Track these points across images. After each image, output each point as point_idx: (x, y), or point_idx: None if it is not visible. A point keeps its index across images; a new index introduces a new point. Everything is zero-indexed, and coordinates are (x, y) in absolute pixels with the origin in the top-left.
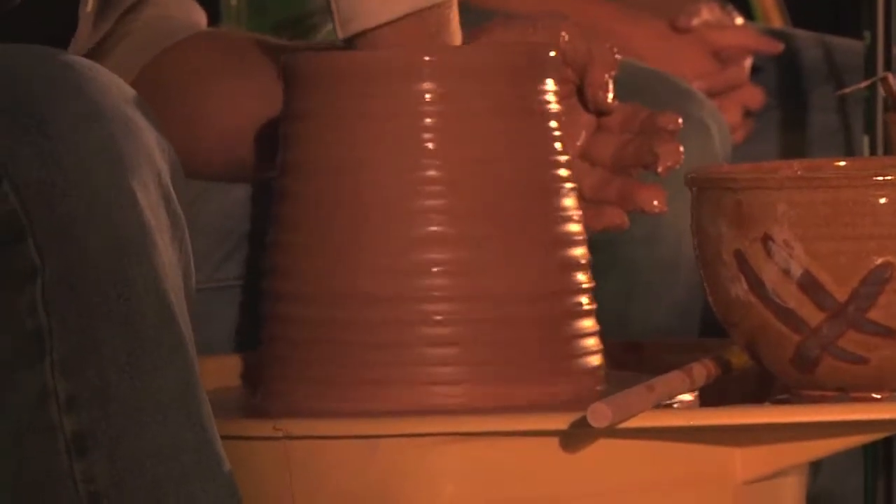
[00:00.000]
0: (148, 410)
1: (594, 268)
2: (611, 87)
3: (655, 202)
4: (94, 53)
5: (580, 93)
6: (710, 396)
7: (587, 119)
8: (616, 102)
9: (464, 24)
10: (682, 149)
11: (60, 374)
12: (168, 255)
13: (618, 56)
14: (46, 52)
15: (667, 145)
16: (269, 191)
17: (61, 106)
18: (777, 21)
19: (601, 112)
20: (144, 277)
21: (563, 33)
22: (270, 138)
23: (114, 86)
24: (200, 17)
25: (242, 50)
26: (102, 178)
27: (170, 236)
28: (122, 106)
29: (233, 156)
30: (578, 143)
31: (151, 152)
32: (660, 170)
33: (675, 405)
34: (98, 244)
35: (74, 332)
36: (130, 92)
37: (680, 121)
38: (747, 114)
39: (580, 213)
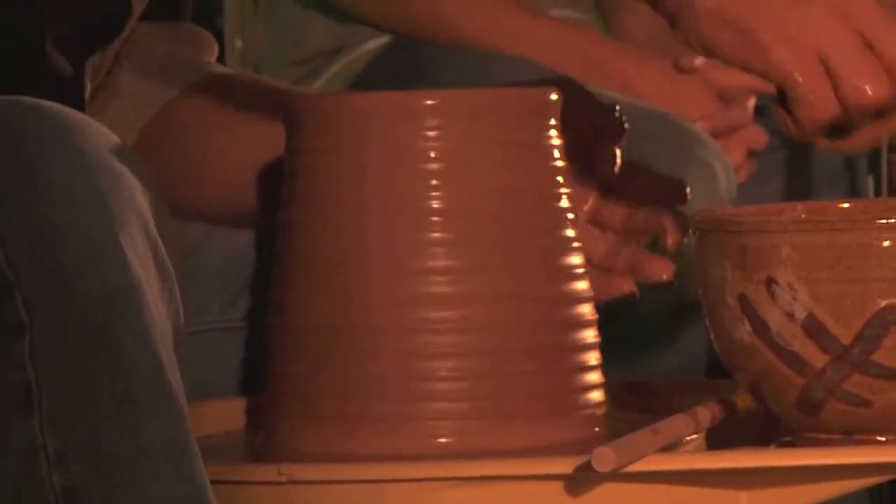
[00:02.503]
0: (138, 464)
1: (597, 311)
2: (618, 158)
3: (664, 275)
4: (92, 103)
5: (587, 157)
6: (715, 439)
7: (595, 183)
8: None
9: (460, 64)
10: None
11: (49, 430)
12: (157, 307)
13: (626, 125)
14: (33, 104)
15: (674, 218)
16: (274, 234)
17: (48, 158)
18: None
19: (608, 182)
20: (133, 330)
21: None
22: (274, 182)
23: (101, 136)
24: (209, 47)
25: (245, 93)
26: (90, 231)
27: (158, 287)
28: (109, 157)
29: (237, 200)
30: (587, 207)
31: (139, 203)
32: (669, 243)
33: (681, 448)
34: (86, 297)
35: (62, 386)
36: (117, 143)
37: (688, 190)
38: (750, 154)
39: (580, 244)
